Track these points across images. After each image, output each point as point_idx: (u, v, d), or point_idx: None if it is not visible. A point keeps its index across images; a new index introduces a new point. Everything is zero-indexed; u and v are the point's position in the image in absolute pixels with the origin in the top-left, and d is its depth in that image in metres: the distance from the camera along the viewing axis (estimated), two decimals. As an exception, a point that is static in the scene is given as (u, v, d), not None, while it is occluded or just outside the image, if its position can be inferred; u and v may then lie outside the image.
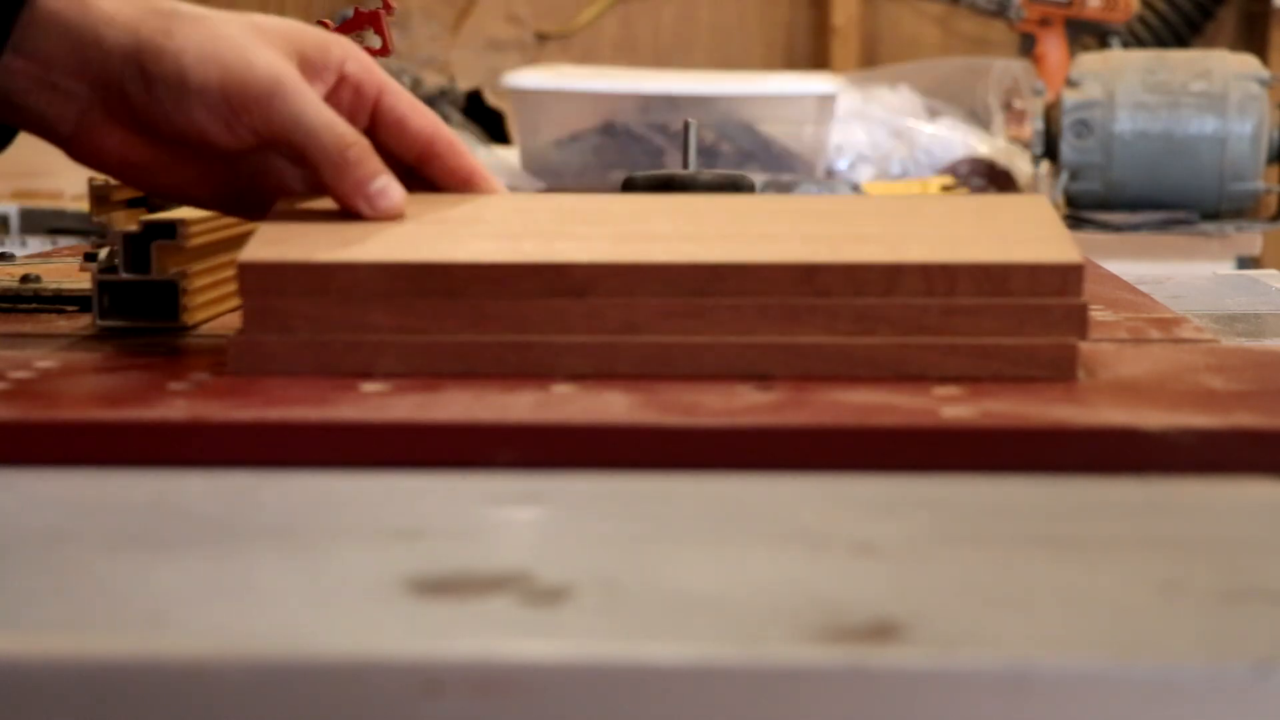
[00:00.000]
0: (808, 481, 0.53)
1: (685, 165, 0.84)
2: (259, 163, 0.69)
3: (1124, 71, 1.87)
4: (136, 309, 0.72)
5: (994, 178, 2.01)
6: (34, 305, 0.81)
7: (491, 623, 0.41)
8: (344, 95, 0.69)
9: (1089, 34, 2.42)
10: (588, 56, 3.04)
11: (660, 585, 0.44)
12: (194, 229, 0.71)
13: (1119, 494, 0.52)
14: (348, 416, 0.56)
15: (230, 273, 0.74)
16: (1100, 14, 2.35)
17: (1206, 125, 1.85)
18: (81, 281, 0.81)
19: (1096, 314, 0.77)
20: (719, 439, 0.55)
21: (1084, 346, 0.62)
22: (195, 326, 0.73)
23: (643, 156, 2.07)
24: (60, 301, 0.81)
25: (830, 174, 2.05)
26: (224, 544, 0.48)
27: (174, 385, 0.61)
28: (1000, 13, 2.39)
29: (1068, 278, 0.61)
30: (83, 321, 0.76)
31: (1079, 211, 1.90)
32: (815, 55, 3.07)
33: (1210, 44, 2.89)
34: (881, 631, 0.40)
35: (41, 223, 2.01)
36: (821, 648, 0.39)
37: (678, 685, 0.39)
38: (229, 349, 0.63)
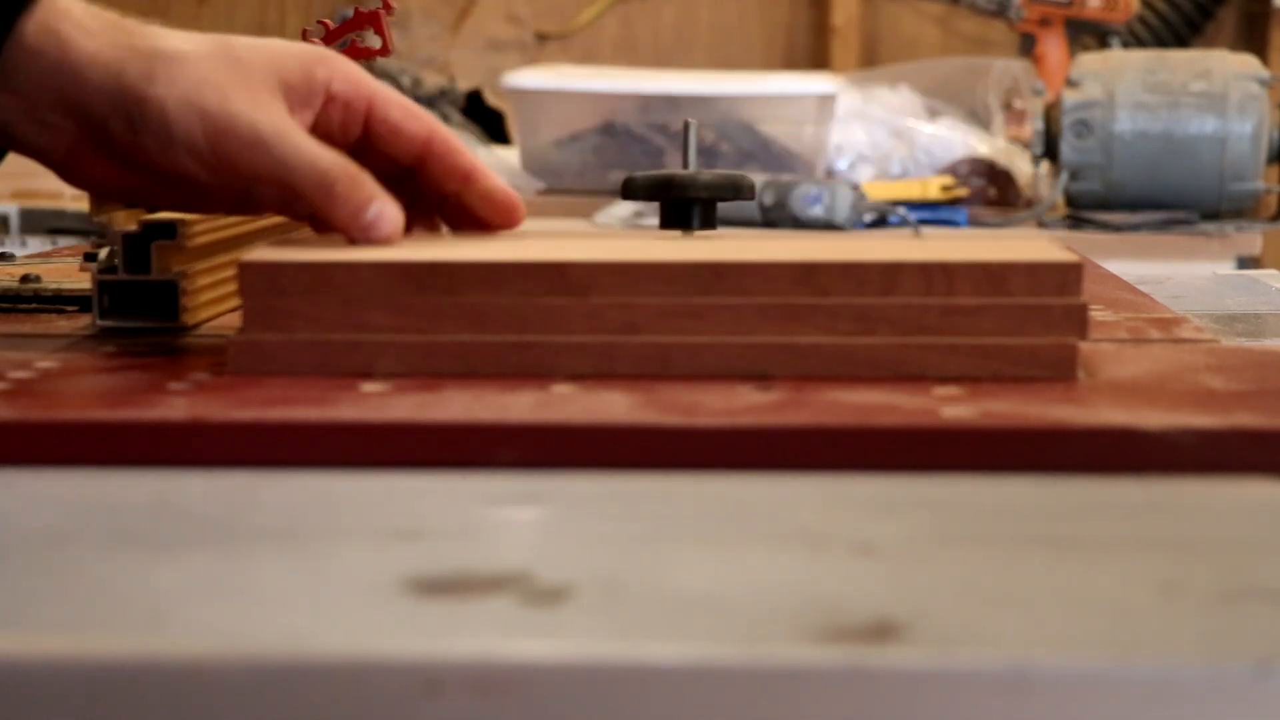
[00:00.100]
0: (808, 481, 0.53)
1: (685, 165, 0.84)
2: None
3: (1124, 71, 1.87)
4: (136, 309, 0.72)
5: (994, 178, 2.01)
6: (34, 305, 0.81)
7: (491, 623, 0.41)
8: (334, 114, 0.69)
9: (1089, 34, 2.42)
10: (588, 56, 3.04)
11: (660, 585, 0.44)
12: (194, 229, 0.71)
13: (1119, 494, 0.52)
14: (348, 416, 0.56)
15: (230, 273, 0.74)
16: (1100, 14, 2.35)
17: (1206, 125, 1.85)
18: (81, 281, 0.81)
19: (1096, 314, 0.77)
20: (719, 439, 0.55)
21: (1084, 346, 0.62)
22: (195, 326, 0.73)
23: (643, 156, 2.07)
24: (60, 301, 0.81)
25: (830, 174, 2.05)
26: (224, 544, 0.48)
27: (174, 385, 0.61)
28: (1000, 13, 2.39)
29: (1067, 277, 0.61)
30: (83, 321, 0.76)
31: (1079, 211, 1.90)
32: (815, 55, 3.07)
33: (1210, 44, 2.89)
34: (881, 631, 0.40)
35: (41, 223, 2.01)
36: (821, 648, 0.39)
37: (678, 685, 0.39)
38: (229, 349, 0.63)
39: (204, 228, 0.72)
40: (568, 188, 2.09)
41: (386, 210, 0.66)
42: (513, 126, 2.40)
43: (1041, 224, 1.89)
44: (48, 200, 1.99)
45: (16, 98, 0.65)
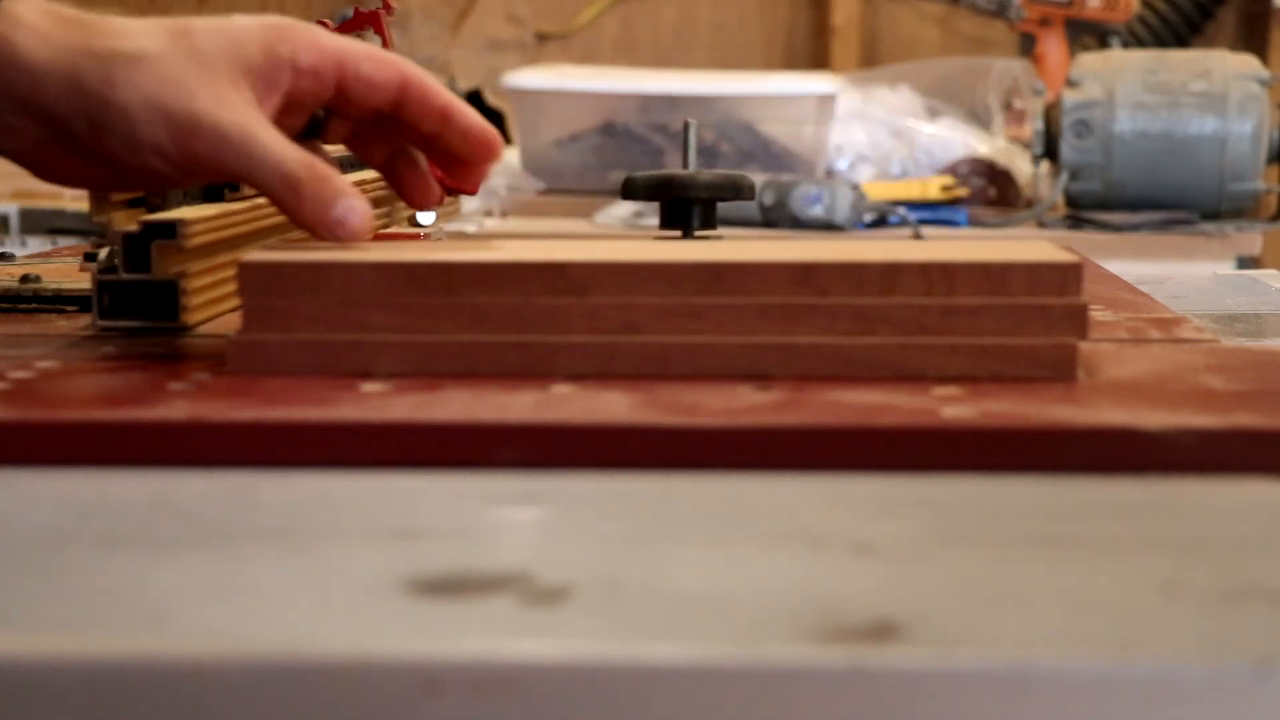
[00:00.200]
0: (808, 481, 0.53)
1: (685, 165, 0.84)
2: None
3: (1124, 71, 1.87)
4: (136, 309, 0.72)
5: (994, 178, 2.01)
6: (34, 305, 0.81)
7: (491, 623, 0.41)
8: (304, 84, 0.68)
9: (1089, 34, 2.42)
10: (588, 56, 3.04)
11: (660, 585, 0.44)
12: (194, 229, 0.71)
13: (1119, 494, 0.52)
14: (348, 416, 0.56)
15: (230, 273, 0.73)
16: (1100, 14, 2.36)
17: (1206, 125, 1.85)
18: (81, 281, 0.80)
19: (1096, 314, 0.77)
20: (719, 439, 0.55)
21: (1084, 346, 0.62)
22: (195, 326, 0.73)
23: (643, 156, 2.07)
24: (60, 301, 0.81)
25: (830, 174, 2.05)
26: (224, 544, 0.48)
27: (174, 385, 0.61)
28: (1000, 13, 2.39)
29: (1067, 277, 0.61)
30: (83, 321, 0.76)
31: (1079, 211, 1.90)
32: (815, 55, 3.07)
33: (1210, 44, 2.90)
34: (881, 631, 0.40)
35: (41, 223, 2.01)
36: (821, 648, 0.39)
37: (678, 685, 0.39)
38: (229, 349, 0.63)
39: (204, 228, 0.72)
40: (568, 188, 2.09)
41: (354, 207, 0.66)
42: (513, 126, 2.40)
43: (1041, 224, 1.89)
44: (48, 200, 1.99)
45: None
